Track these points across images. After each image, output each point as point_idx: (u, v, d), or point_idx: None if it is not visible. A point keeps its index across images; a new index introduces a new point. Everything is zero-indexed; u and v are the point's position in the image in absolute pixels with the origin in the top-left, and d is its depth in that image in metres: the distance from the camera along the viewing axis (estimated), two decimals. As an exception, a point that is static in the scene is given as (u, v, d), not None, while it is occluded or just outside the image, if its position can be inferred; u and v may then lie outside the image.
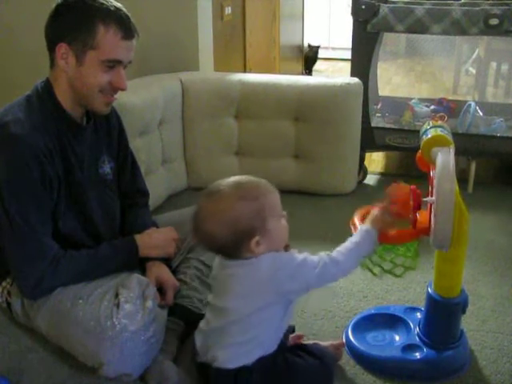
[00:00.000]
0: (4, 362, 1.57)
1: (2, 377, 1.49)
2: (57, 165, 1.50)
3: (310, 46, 5.69)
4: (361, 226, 1.43)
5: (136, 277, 1.53)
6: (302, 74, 5.53)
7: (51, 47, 1.51)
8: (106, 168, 1.70)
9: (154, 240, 1.69)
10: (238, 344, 1.35)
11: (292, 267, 1.33)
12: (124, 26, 1.50)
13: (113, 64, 1.50)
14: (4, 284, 1.64)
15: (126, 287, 1.49)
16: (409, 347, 1.57)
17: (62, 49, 1.48)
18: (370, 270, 1.58)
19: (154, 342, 1.44)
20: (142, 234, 1.71)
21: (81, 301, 1.48)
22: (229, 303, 1.36)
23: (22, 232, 1.46)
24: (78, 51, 1.47)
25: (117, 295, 1.47)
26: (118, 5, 1.52)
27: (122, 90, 1.56)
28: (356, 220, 1.53)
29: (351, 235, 1.44)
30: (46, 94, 1.54)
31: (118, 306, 1.43)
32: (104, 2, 1.49)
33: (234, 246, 1.32)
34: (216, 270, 1.43)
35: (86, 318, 1.44)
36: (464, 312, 1.55)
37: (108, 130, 1.73)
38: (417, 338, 1.59)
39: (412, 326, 1.64)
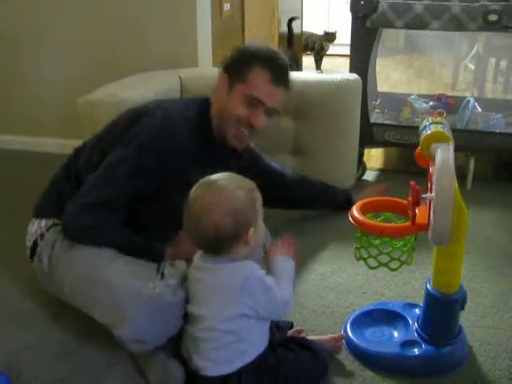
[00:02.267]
0: (3, 359, 1.57)
1: (2, 373, 1.49)
2: (179, 170, 1.65)
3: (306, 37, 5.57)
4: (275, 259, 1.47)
5: (183, 262, 1.57)
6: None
7: (219, 75, 1.79)
8: None
9: (179, 254, 1.67)
10: (216, 352, 1.35)
11: (264, 284, 1.36)
12: (277, 72, 1.74)
13: (255, 102, 1.72)
14: (42, 224, 1.67)
15: (173, 265, 1.54)
16: (407, 343, 1.57)
17: (224, 78, 1.76)
18: (366, 262, 1.58)
19: (179, 322, 1.43)
20: (178, 246, 1.70)
21: (119, 260, 1.55)
22: (201, 310, 1.37)
23: (108, 185, 1.60)
24: (232, 81, 1.74)
25: (159, 268, 1.52)
26: (282, 56, 1.79)
27: (255, 128, 1.77)
28: (355, 212, 1.53)
29: (352, 230, 1.43)
30: (204, 108, 1.79)
31: (162, 276, 1.48)
32: (271, 51, 1.80)
33: (234, 238, 1.34)
34: (190, 275, 1.44)
35: (128, 271, 1.50)
36: (463, 308, 1.55)
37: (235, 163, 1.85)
38: (415, 334, 1.59)
39: (411, 322, 1.64)
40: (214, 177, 1.37)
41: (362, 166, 2.97)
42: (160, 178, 1.65)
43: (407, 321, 1.65)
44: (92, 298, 1.52)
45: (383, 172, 3.11)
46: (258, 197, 1.38)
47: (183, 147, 1.68)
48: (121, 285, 1.46)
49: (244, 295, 1.32)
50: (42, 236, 1.67)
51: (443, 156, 1.34)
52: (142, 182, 1.64)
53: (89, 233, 1.60)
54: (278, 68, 1.75)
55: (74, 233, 1.62)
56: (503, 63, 4.68)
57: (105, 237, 1.61)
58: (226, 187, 1.34)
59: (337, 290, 1.93)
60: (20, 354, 1.59)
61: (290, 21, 4.64)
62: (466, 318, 1.72)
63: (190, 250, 1.69)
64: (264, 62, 1.73)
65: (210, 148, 1.79)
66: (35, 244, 1.68)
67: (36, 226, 1.71)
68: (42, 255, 1.65)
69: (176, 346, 1.46)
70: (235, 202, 1.33)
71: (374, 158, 3.31)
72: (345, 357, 1.59)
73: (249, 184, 1.38)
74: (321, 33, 5.75)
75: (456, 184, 1.34)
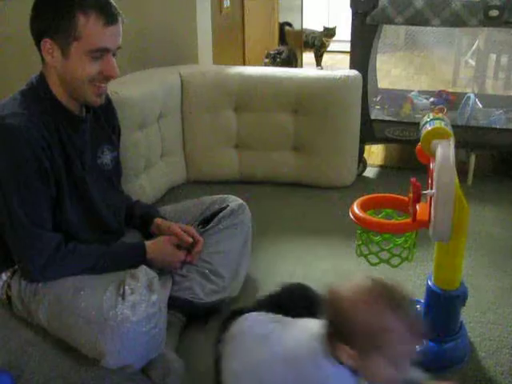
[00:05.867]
0: (5, 356, 1.57)
1: (4, 371, 1.49)
2: (56, 158, 1.50)
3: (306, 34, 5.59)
4: None
5: (144, 268, 1.54)
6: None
7: (37, 43, 1.49)
8: (105, 158, 1.69)
9: (163, 254, 1.69)
10: None
11: None
12: (104, 11, 1.44)
13: (100, 53, 1.46)
14: (4, 277, 1.64)
15: (133, 277, 1.49)
16: (409, 339, 1.57)
17: (47, 44, 1.45)
18: (367, 259, 1.58)
19: (156, 333, 1.43)
20: (156, 241, 1.71)
21: (82, 292, 1.48)
22: None
23: (22, 224, 1.46)
24: (62, 44, 1.45)
25: (119, 287, 1.47)
26: None
27: (113, 78, 1.53)
28: (356, 209, 1.53)
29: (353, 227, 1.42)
30: (40, 88, 1.53)
31: (123, 297, 1.43)
32: None
33: (329, 336, 1.13)
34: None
35: (87, 309, 1.44)
36: (464, 304, 1.55)
37: (107, 118, 1.72)
38: (417, 330, 1.59)
39: (412, 318, 1.64)
40: (368, 283, 1.13)
41: (362, 163, 2.97)
42: (53, 179, 1.50)
43: (408, 317, 1.65)
44: (70, 339, 1.52)
45: (384, 168, 3.11)
46: (394, 342, 1.07)
47: (44, 154, 1.46)
48: (88, 325, 1.43)
49: None
50: (8, 286, 1.62)
51: (444, 152, 1.34)
52: (38, 196, 1.49)
53: (60, 275, 1.54)
54: (103, 6, 1.44)
55: (47, 281, 1.55)
56: (504, 59, 4.68)
57: (74, 270, 1.55)
58: (357, 298, 1.10)
59: (338, 286, 1.93)
60: (21, 352, 1.59)
61: (283, 25, 4.69)
62: (467, 314, 1.72)
63: (169, 250, 1.70)
64: (85, 7, 1.42)
65: (72, 125, 1.56)
66: (7, 296, 1.63)
67: (0, 282, 1.64)
68: (16, 304, 1.62)
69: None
70: (353, 313, 1.09)
71: (375, 154, 3.31)
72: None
73: (394, 315, 1.07)
74: (321, 29, 5.75)
75: (457, 180, 1.34)
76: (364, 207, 1.55)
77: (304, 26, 5.48)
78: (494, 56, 4.66)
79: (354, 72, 2.69)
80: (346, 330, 1.08)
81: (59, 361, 1.55)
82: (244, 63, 3.86)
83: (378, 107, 3.06)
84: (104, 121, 1.70)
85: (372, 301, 1.08)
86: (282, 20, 4.68)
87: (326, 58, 5.99)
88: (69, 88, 1.52)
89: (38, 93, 1.52)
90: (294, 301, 1.39)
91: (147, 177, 2.51)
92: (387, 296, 1.09)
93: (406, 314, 1.08)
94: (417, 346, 1.10)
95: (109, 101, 1.73)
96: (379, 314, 1.07)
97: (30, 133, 1.43)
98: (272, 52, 4.21)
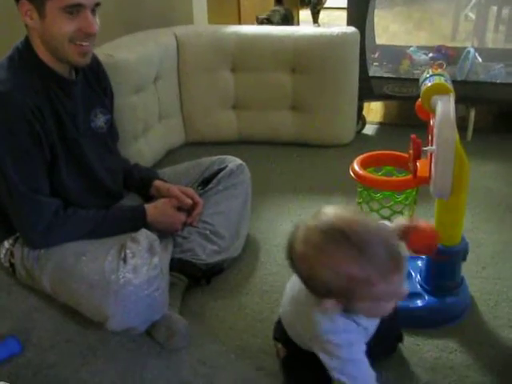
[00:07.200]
0: (11, 322, 1.60)
1: (12, 336, 1.51)
2: (48, 122, 1.49)
3: None
4: None
5: (144, 231, 1.55)
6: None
7: (17, 6, 1.46)
8: (99, 121, 1.67)
9: (163, 217, 1.70)
10: None
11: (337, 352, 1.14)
12: None
13: (76, 9, 1.43)
14: (7, 245, 1.65)
15: (134, 241, 1.50)
16: (411, 295, 1.58)
17: (25, 6, 1.43)
18: (368, 216, 1.59)
19: (158, 296, 1.45)
20: (156, 203, 1.71)
21: (84, 257, 1.50)
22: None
23: (19, 190, 1.47)
24: (38, 5, 1.42)
25: (121, 251, 1.48)
26: None
27: (92, 34, 1.48)
28: (356, 167, 1.53)
29: (354, 185, 1.43)
30: (26, 52, 1.51)
31: (124, 260, 1.44)
32: None
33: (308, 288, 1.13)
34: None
35: (90, 273, 1.46)
36: (465, 259, 1.56)
37: (98, 80, 1.69)
38: (418, 286, 1.61)
39: (413, 274, 1.65)
40: (350, 227, 1.05)
41: (361, 120, 2.95)
42: (46, 143, 1.50)
43: (410, 273, 1.66)
44: (74, 303, 1.53)
45: (383, 125, 3.09)
46: (376, 287, 1.04)
47: (36, 119, 1.45)
48: (91, 289, 1.44)
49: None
50: (11, 254, 1.64)
51: (444, 108, 1.33)
52: (35, 159, 1.49)
53: (60, 240, 1.55)
54: None
55: (48, 247, 1.56)
56: (505, 11, 4.59)
57: (75, 235, 1.56)
58: (317, 254, 1.06)
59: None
60: (28, 317, 1.61)
61: None
62: (467, 269, 1.73)
63: (170, 212, 1.71)
64: None
65: (62, 88, 1.54)
66: (11, 264, 1.65)
67: (3, 250, 1.66)
68: (20, 271, 1.64)
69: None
70: (327, 266, 1.04)
71: (374, 111, 3.29)
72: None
73: (373, 263, 1.02)
74: (317, -15, 5.64)
75: (457, 136, 1.33)
76: (364, 165, 1.55)
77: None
78: (494, 8, 4.57)
79: (352, 29, 2.65)
80: (319, 288, 1.07)
81: (65, 325, 1.57)
82: (240, 22, 3.80)
83: (377, 64, 3.03)
84: (95, 83, 1.68)
85: (332, 253, 1.03)
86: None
87: (322, 14, 5.89)
88: (51, 49, 1.49)
89: (24, 57, 1.50)
90: None
91: (145, 140, 2.50)
92: (347, 243, 1.02)
93: (373, 255, 1.02)
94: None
95: (98, 64, 1.71)
96: (346, 267, 1.02)
97: (20, 97, 1.42)
98: (261, 17, 4.09)
